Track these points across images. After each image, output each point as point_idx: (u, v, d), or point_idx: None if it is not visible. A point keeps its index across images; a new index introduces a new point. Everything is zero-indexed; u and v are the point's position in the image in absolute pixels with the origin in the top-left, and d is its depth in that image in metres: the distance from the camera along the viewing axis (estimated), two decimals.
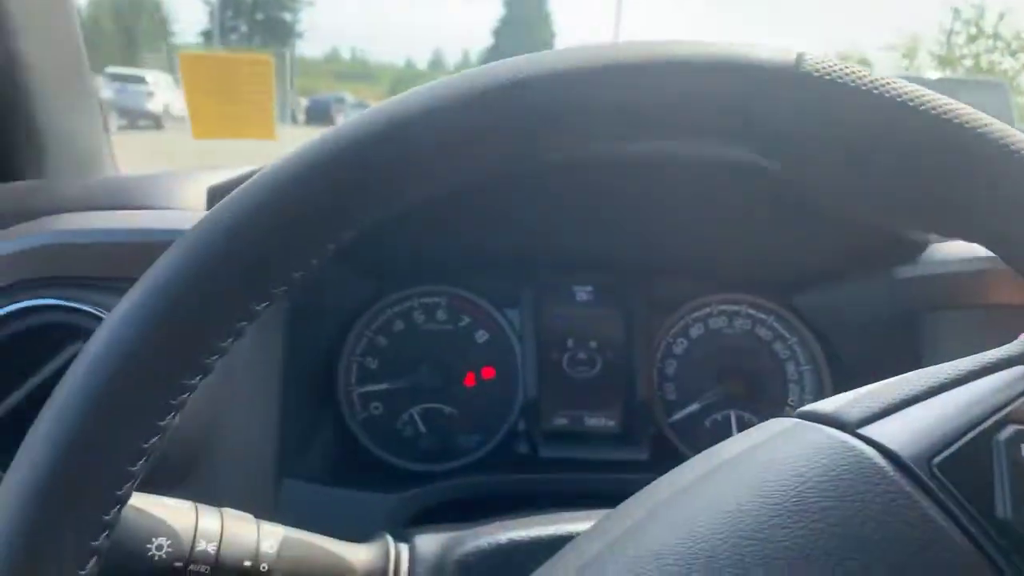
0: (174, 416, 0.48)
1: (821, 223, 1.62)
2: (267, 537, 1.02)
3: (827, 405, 0.57)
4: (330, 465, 1.75)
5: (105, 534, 0.45)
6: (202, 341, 0.47)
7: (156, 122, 27.22)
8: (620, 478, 1.66)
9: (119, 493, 0.46)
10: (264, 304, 0.49)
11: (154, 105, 26.94)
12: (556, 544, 0.63)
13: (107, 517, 0.45)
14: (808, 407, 0.61)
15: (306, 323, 1.67)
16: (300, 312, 1.60)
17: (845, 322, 1.89)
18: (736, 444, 0.59)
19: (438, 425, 1.93)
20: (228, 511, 1.05)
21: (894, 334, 1.72)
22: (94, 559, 0.45)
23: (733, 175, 1.50)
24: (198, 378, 0.49)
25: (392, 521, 1.54)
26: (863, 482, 0.45)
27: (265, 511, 1.56)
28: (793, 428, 0.56)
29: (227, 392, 1.48)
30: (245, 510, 1.47)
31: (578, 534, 0.60)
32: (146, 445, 0.47)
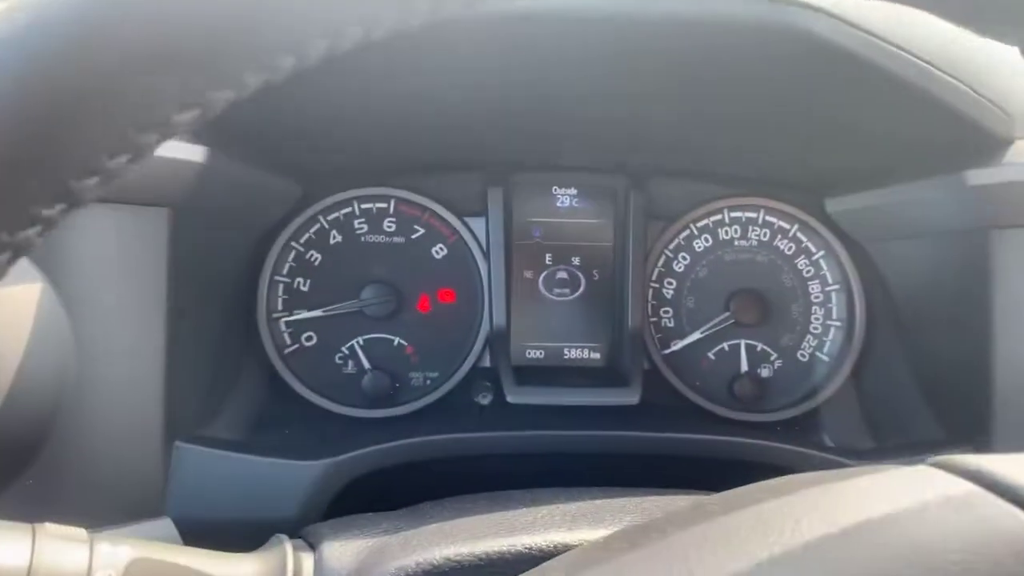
0: None
1: (873, 103, 1.22)
2: (104, 566, 0.71)
3: (1001, 466, 0.44)
4: (247, 420, 1.41)
5: None
6: None
7: None
8: (604, 437, 1.33)
9: None
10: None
11: None
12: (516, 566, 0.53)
13: None
14: (971, 462, 0.46)
15: (207, 238, 1.29)
16: (197, 224, 1.22)
17: (889, 236, 1.52)
18: (867, 499, 0.45)
19: (385, 361, 1.59)
20: (48, 529, 0.72)
21: (953, 254, 1.36)
22: None
23: (758, 40, 1.09)
24: None
25: (312, 502, 1.21)
26: None
27: (145, 495, 1.27)
28: (966, 498, 0.43)
29: (87, 336, 1.12)
30: (120, 493, 1.14)
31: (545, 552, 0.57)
32: None
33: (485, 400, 1.40)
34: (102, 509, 1.17)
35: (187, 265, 1.24)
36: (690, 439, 1.32)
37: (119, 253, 1.17)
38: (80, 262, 1.14)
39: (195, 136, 1.17)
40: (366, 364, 1.57)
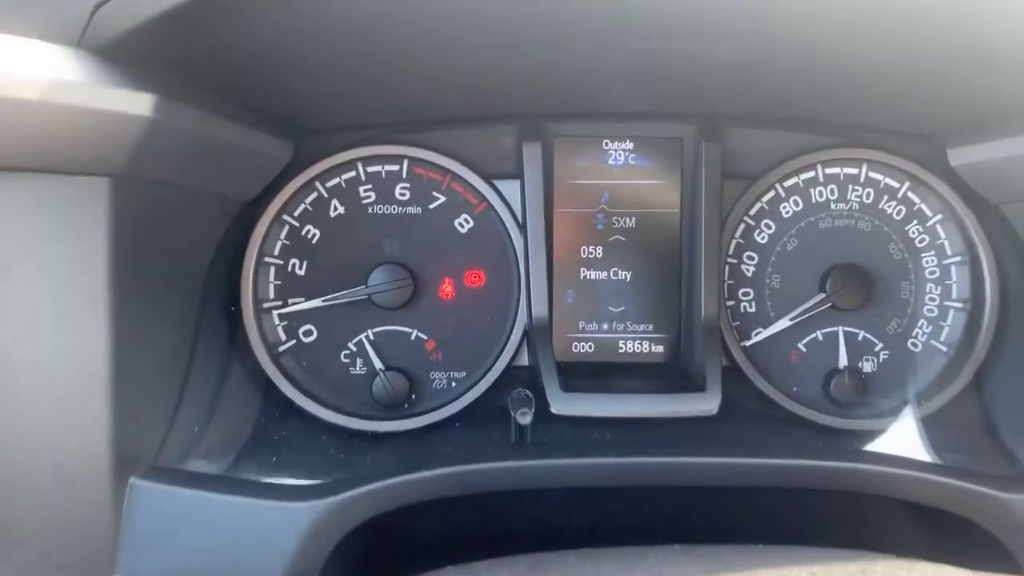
0: None
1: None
2: None
3: None
4: (230, 443, 1.13)
5: None
6: None
7: None
8: (685, 466, 1.02)
9: None
10: None
11: None
12: None
13: None
14: None
15: (167, 214, 1.02)
16: (150, 197, 0.96)
17: None
18: None
19: (400, 359, 1.31)
20: None
21: None
22: None
23: None
24: None
25: (307, 556, 0.93)
26: None
27: (89, 549, 0.95)
28: None
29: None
30: (55, 547, 0.88)
31: None
32: None
33: (525, 419, 1.11)
34: (36, 569, 0.91)
35: (138, 249, 0.97)
36: (798, 467, 1.02)
37: (41, 238, 0.89)
38: None
39: (142, 81, 0.87)
40: (378, 363, 1.30)
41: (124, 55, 0.86)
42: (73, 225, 0.90)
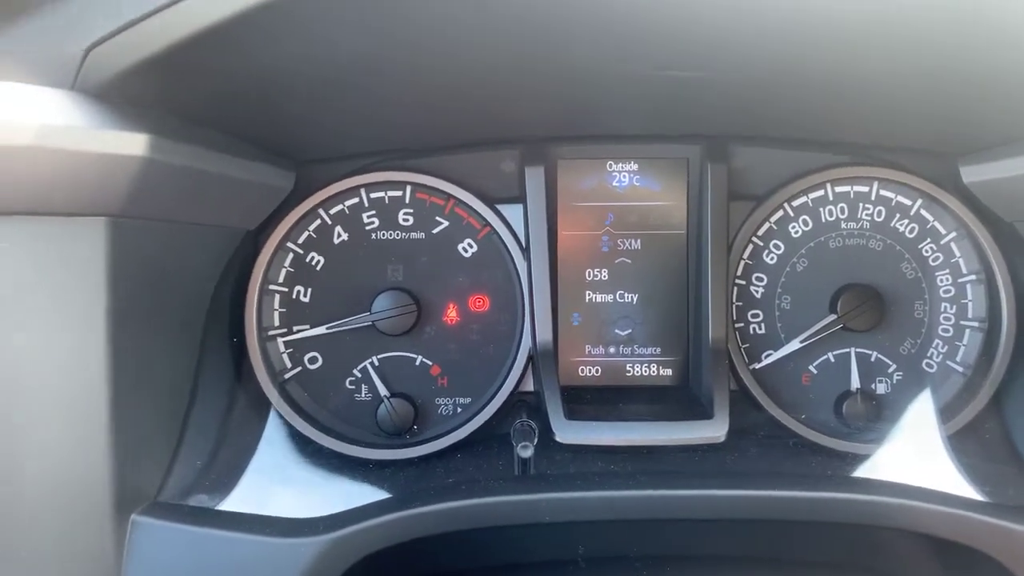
0: None
1: None
2: None
3: None
4: (233, 475, 1.13)
5: None
6: None
7: None
8: (691, 499, 1.00)
9: None
10: None
11: None
12: None
13: None
14: None
15: (167, 248, 1.02)
16: (149, 233, 0.97)
17: None
18: None
19: (405, 385, 1.30)
20: None
21: None
22: None
23: None
24: None
25: None
26: None
27: None
28: None
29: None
30: None
31: None
32: None
33: (526, 452, 1.09)
34: None
35: (138, 287, 0.97)
36: (812, 499, 0.99)
37: (39, 280, 0.89)
38: None
39: (136, 122, 0.87)
40: (383, 389, 1.29)
41: (118, 96, 0.86)
42: (71, 266, 0.90)
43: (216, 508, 1.04)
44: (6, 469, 0.90)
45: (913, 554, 1.09)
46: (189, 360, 1.14)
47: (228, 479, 1.11)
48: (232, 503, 1.07)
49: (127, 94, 0.87)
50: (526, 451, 1.08)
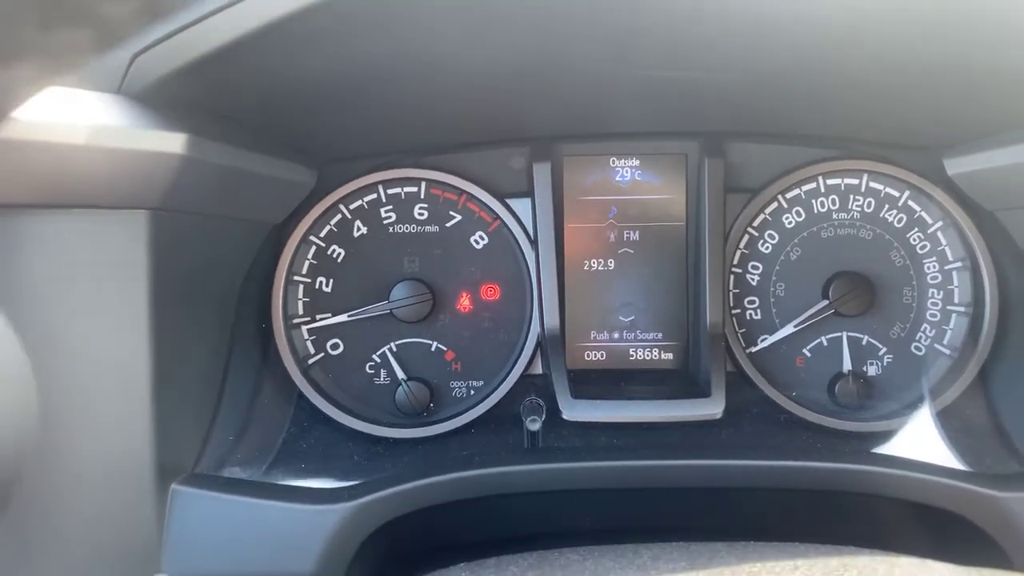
0: None
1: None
2: None
3: None
4: (264, 450, 1.21)
5: None
6: None
7: None
8: (688, 469, 1.08)
9: None
10: None
11: None
12: None
13: None
14: None
15: (202, 240, 1.11)
16: (186, 226, 1.04)
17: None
18: None
19: (422, 369, 1.38)
20: None
21: None
22: None
23: None
24: None
25: (333, 554, 1.01)
26: None
27: (137, 549, 1.01)
28: None
29: (52, 367, 0.94)
30: (107, 547, 0.96)
31: None
32: None
33: (534, 426, 1.17)
34: (85, 568, 0.99)
35: (175, 274, 1.05)
36: (800, 468, 1.06)
37: (87, 267, 0.97)
38: (36, 281, 0.95)
39: (176, 123, 0.96)
40: (400, 374, 1.37)
41: (160, 99, 0.95)
42: (116, 254, 0.99)
43: (248, 479, 1.12)
44: (59, 444, 0.98)
45: (885, 519, 1.16)
46: (221, 344, 1.23)
47: (259, 453, 1.20)
48: (262, 475, 1.15)
49: (167, 97, 0.95)
50: (534, 424, 1.16)
